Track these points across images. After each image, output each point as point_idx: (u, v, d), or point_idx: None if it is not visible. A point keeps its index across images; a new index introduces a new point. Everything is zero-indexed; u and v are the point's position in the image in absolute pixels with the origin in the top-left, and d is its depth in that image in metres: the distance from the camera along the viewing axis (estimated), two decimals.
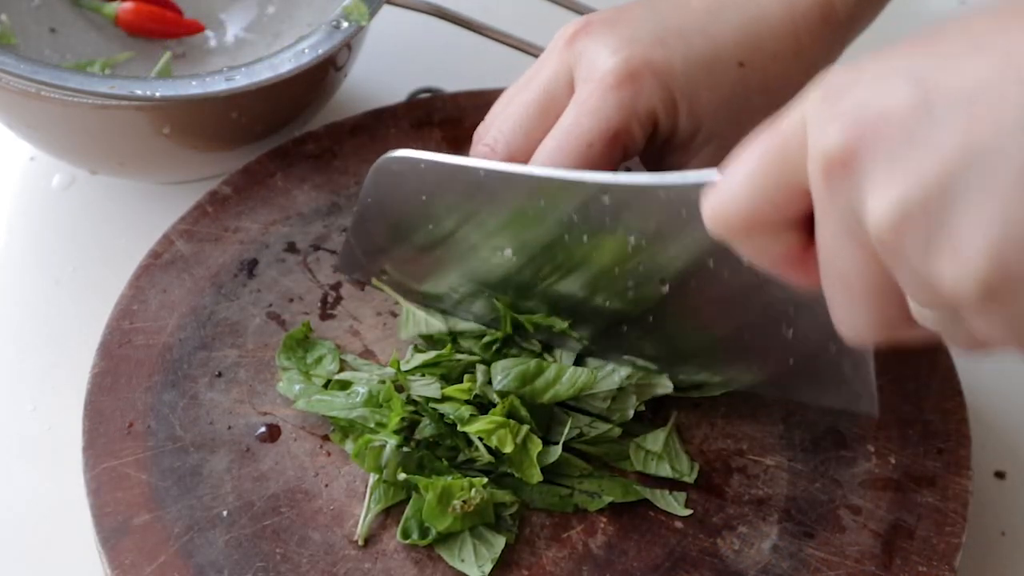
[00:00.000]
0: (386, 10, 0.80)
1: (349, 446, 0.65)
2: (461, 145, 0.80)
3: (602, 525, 0.63)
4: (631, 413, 0.65)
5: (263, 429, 0.66)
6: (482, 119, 0.76)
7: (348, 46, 0.80)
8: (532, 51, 0.84)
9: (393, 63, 0.95)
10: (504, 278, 0.67)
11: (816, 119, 0.41)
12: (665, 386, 0.65)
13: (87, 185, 0.87)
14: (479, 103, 0.83)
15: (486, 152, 0.64)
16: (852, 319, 0.44)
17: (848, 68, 0.42)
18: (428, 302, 0.71)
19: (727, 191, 0.45)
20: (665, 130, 0.63)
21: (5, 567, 0.69)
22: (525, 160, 0.63)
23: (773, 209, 0.44)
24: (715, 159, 0.61)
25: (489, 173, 0.63)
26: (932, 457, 0.66)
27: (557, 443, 0.64)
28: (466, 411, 0.63)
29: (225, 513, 0.63)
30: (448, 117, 0.82)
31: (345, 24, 0.78)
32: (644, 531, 0.63)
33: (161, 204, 0.85)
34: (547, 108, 0.63)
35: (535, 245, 0.64)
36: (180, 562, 0.61)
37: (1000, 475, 0.73)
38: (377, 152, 0.79)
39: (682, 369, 0.66)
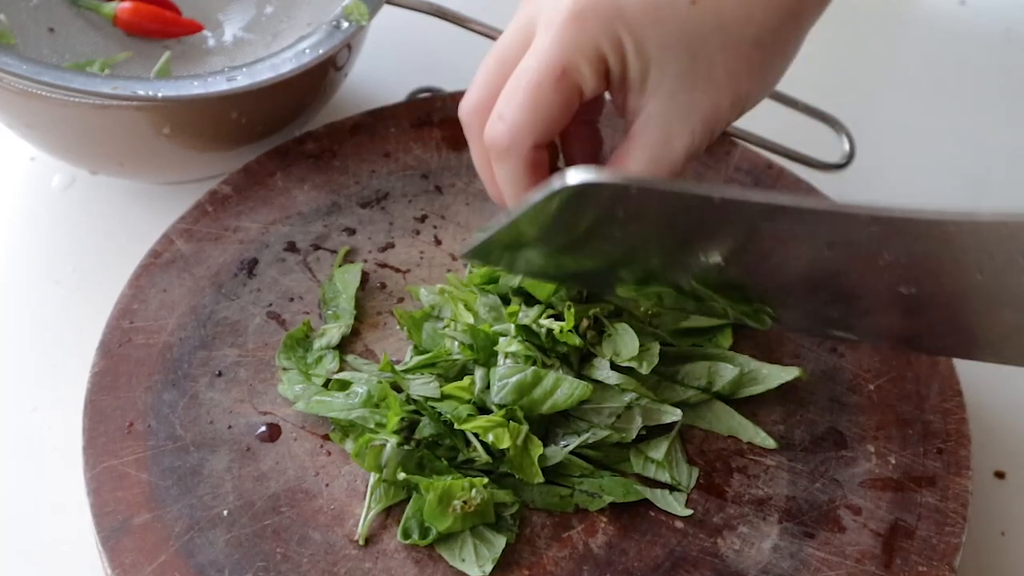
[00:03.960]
0: (386, 10, 0.80)
1: (349, 445, 0.65)
2: (461, 145, 0.80)
3: (603, 525, 0.63)
4: (634, 434, 0.65)
5: (263, 429, 0.66)
6: None
7: (348, 46, 0.80)
8: None
9: (393, 63, 0.95)
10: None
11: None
12: (673, 413, 0.65)
13: (87, 185, 0.88)
14: None
15: (461, 112, 0.65)
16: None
17: None
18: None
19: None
20: (616, 70, 0.62)
21: (5, 567, 0.69)
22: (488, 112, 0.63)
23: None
24: (674, 99, 0.61)
25: (725, 201, 0.54)
26: (932, 457, 0.66)
27: (557, 445, 0.64)
28: (464, 410, 0.63)
29: (225, 513, 0.63)
30: (448, 117, 0.82)
31: (345, 24, 0.78)
32: (644, 531, 0.63)
33: (161, 204, 0.85)
34: (505, 60, 0.63)
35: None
36: (180, 561, 0.61)
37: (1000, 475, 0.73)
38: (377, 152, 0.80)
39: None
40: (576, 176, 0.52)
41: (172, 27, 0.86)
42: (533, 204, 0.55)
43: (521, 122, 0.61)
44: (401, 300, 0.73)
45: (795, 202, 0.55)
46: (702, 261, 0.60)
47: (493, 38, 0.83)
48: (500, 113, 0.62)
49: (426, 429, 0.63)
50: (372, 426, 0.64)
